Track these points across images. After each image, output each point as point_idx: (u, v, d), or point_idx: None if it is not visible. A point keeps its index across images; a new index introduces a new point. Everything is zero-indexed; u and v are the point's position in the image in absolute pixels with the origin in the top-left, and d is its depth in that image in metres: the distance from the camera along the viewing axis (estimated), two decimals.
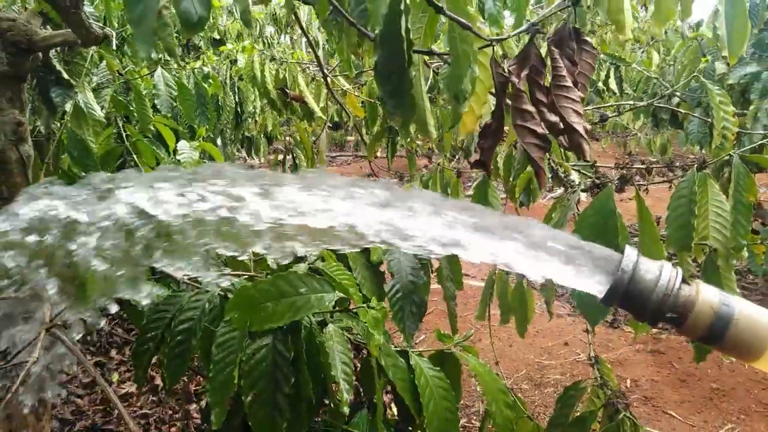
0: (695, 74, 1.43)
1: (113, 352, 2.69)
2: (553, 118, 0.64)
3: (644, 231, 0.94)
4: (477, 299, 2.22)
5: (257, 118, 2.94)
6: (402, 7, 0.57)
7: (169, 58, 2.95)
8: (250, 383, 0.85)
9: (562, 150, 1.59)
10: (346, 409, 0.88)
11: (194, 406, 2.32)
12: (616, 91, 2.39)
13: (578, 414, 0.95)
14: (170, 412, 2.34)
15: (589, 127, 0.62)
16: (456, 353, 1.15)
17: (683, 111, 1.74)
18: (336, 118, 3.36)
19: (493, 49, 0.66)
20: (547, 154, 1.34)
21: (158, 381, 2.52)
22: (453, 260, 1.50)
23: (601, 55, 2.33)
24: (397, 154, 2.25)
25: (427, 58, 0.91)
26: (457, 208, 0.53)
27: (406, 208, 0.50)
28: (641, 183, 1.12)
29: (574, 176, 1.17)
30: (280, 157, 2.60)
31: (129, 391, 2.39)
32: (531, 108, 0.63)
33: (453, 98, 0.60)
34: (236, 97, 2.51)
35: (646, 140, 5.31)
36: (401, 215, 0.50)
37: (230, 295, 0.98)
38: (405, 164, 2.52)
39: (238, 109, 2.56)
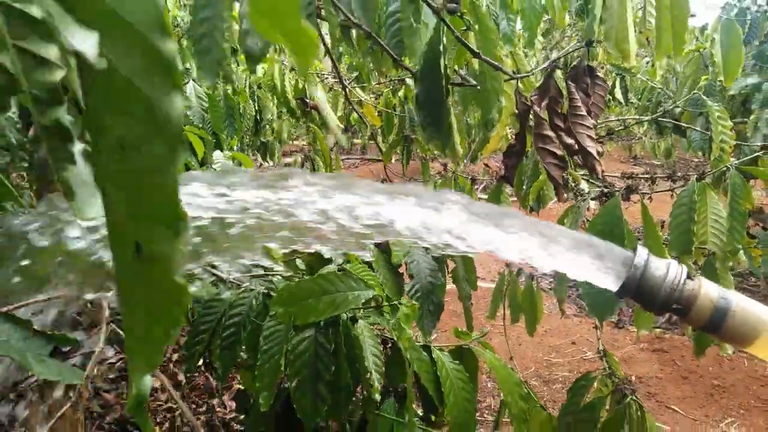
0: (695, 91, 1.53)
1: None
2: (570, 140, 0.74)
3: (648, 235, 1.04)
4: (487, 300, 2.32)
5: (274, 125, 3.05)
6: (441, 48, 0.67)
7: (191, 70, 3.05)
8: (294, 371, 0.96)
9: (571, 161, 1.70)
10: (377, 396, 0.98)
11: (216, 400, 2.42)
12: (622, 100, 2.49)
13: (588, 401, 1.05)
14: (194, 406, 2.44)
15: (601, 150, 0.72)
16: (473, 348, 1.25)
17: (684, 124, 1.83)
18: (345, 123, 3.47)
19: (517, 82, 0.76)
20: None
21: (180, 377, 2.63)
22: (467, 261, 1.59)
23: (607, 66, 2.43)
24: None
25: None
26: (486, 209, 0.61)
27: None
28: (645, 192, 1.22)
29: (584, 185, 1.27)
30: (298, 160, 2.71)
31: (154, 386, 2.50)
32: (551, 133, 0.74)
33: (483, 125, 0.70)
34: (256, 105, 2.62)
35: (650, 144, 5.39)
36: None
37: (272, 294, 1.08)
38: (418, 169, 2.62)
39: (257, 117, 2.67)
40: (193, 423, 0.95)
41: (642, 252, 0.53)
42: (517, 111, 0.76)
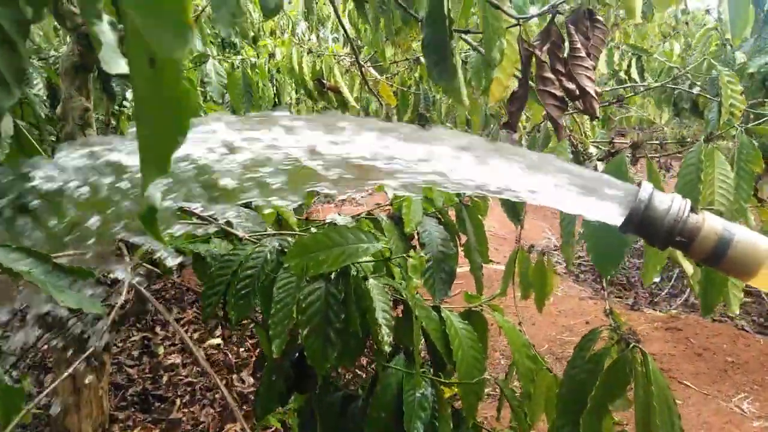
0: (705, 57, 1.52)
1: (158, 329, 2.87)
2: (571, 85, 0.77)
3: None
4: (500, 282, 2.34)
5: (293, 108, 3.10)
6: None
7: (213, 53, 3.11)
8: (306, 319, 1.00)
9: (583, 127, 1.71)
10: (387, 348, 1.02)
11: (235, 375, 2.49)
12: (638, 80, 2.48)
13: (592, 353, 1.07)
14: (213, 381, 2.51)
15: (599, 90, 0.75)
16: (482, 311, 1.27)
17: (695, 93, 1.83)
18: (365, 107, 3.50)
19: (520, 27, 0.79)
20: (569, 132, 1.46)
21: (201, 354, 2.70)
22: (479, 233, 1.61)
23: (624, 46, 2.43)
24: None
25: (465, 39, 1.04)
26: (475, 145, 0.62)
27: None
28: (654, 155, 1.23)
29: (592, 149, 1.29)
30: None
31: (175, 362, 2.57)
32: (551, 75, 0.76)
33: (485, 64, 0.73)
34: (274, 87, 2.67)
35: (672, 133, 5.34)
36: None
37: (286, 250, 1.12)
38: None
39: (276, 100, 2.72)
40: (225, 393, 1.00)
41: (646, 186, 0.54)
42: (520, 56, 0.79)
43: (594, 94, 0.73)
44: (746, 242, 0.53)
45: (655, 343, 2.23)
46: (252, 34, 4.19)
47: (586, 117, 1.80)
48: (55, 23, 2.20)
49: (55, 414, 1.55)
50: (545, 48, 0.77)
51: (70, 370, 1.07)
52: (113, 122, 2.14)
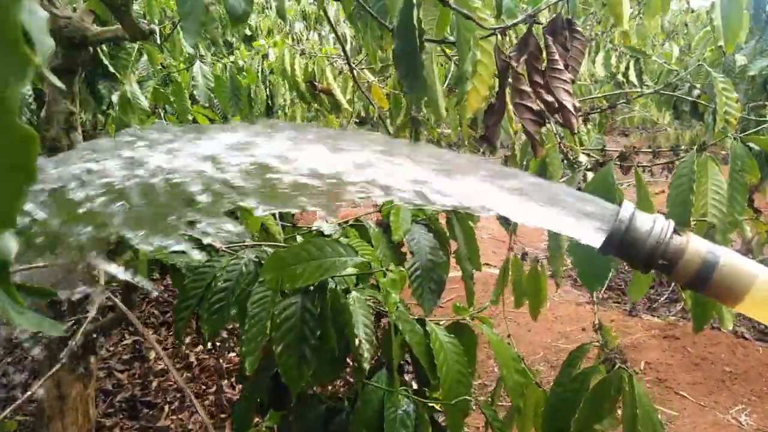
0: (699, 63, 1.48)
1: (149, 333, 2.85)
2: (549, 98, 0.73)
3: (641, 203, 1.02)
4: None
5: (287, 111, 3.06)
6: (414, 1, 0.67)
7: (203, 53, 3.09)
8: (281, 335, 0.96)
9: (577, 137, 1.67)
10: (366, 365, 0.98)
11: (226, 381, 2.46)
12: (636, 83, 2.44)
13: (579, 371, 1.03)
14: (203, 387, 2.48)
15: (578, 104, 0.71)
16: (470, 324, 1.23)
17: (690, 99, 1.78)
18: (363, 113, 3.47)
19: (496, 37, 0.75)
20: (560, 139, 1.42)
21: (192, 359, 2.68)
22: (470, 241, 1.57)
23: (622, 48, 2.38)
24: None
25: (444, 50, 1.01)
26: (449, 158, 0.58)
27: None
28: (644, 165, 1.19)
29: (582, 158, 1.25)
30: None
31: (164, 367, 2.54)
32: (528, 88, 0.73)
33: (457, 78, 0.70)
34: (267, 90, 2.64)
35: (675, 135, 5.28)
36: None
37: (263, 262, 1.09)
38: None
39: (269, 102, 2.68)
40: (181, 386, 0.96)
41: (627, 206, 0.51)
42: (496, 68, 0.75)
43: (572, 109, 0.70)
44: (732, 266, 0.50)
45: (652, 351, 2.19)
46: (249, 33, 4.17)
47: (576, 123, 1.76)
48: None
49: (40, 420, 1.52)
50: (522, 59, 0.73)
51: (40, 383, 1.05)
52: (101, 125, 2.12)
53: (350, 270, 1.08)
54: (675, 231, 0.53)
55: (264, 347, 1.01)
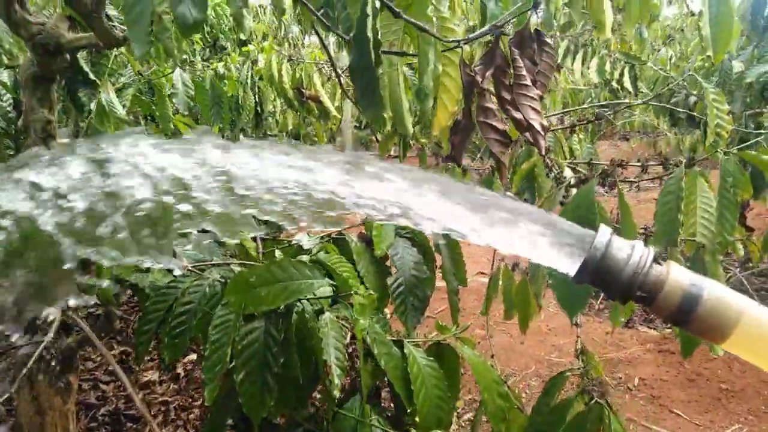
0: (690, 72, 1.42)
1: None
2: (518, 115, 0.68)
3: (623, 223, 0.97)
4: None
5: (278, 118, 3.02)
6: (369, 10, 0.61)
7: (193, 59, 3.04)
8: (242, 362, 0.91)
9: (565, 149, 1.61)
10: (336, 393, 0.93)
11: None
12: (631, 90, 2.38)
13: (557, 402, 0.98)
14: (190, 399, 2.43)
15: (546, 123, 0.66)
16: (452, 344, 1.18)
17: (680, 110, 1.73)
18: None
19: (462, 50, 0.70)
20: (546, 151, 1.37)
21: (180, 370, 2.62)
22: (456, 255, 1.52)
23: (617, 54, 2.33)
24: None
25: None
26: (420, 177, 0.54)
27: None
28: (631, 180, 1.14)
29: (568, 172, 1.20)
30: None
31: (152, 379, 2.49)
32: (493, 106, 0.67)
33: (415, 94, 0.64)
34: (256, 96, 2.59)
35: (675, 140, 5.22)
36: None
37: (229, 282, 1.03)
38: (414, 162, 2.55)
39: (258, 109, 2.63)
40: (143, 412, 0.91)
41: (604, 231, 0.47)
42: (461, 83, 0.70)
43: (539, 128, 0.64)
44: (717, 300, 0.46)
45: (647, 366, 2.12)
46: (243, 37, 4.12)
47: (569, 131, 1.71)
48: None
49: None
50: (489, 73, 0.68)
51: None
52: (81, 134, 2.07)
53: (320, 292, 1.03)
54: (655, 259, 0.49)
55: (228, 373, 0.96)
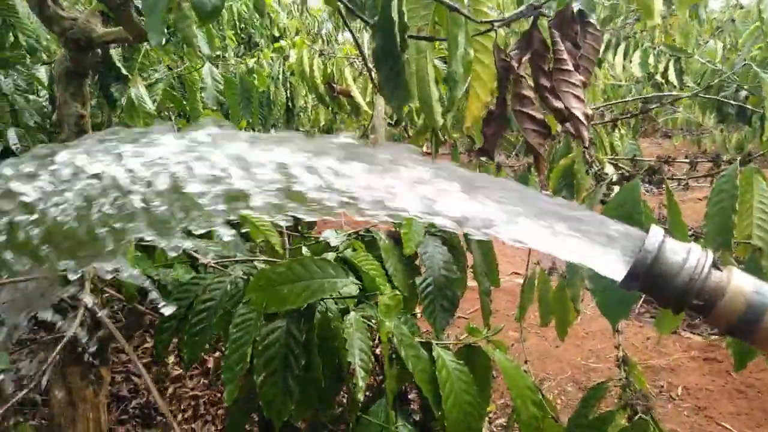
0: (746, 62, 1.32)
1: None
2: (559, 104, 0.62)
3: (673, 224, 0.89)
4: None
5: (310, 113, 3.00)
6: None
7: (226, 55, 3.05)
8: (263, 363, 0.88)
9: (606, 145, 1.53)
10: (360, 396, 0.89)
11: None
12: (676, 83, 2.26)
13: (598, 415, 0.92)
14: (219, 394, 2.43)
15: (590, 112, 0.60)
16: (483, 347, 1.13)
17: (732, 102, 1.62)
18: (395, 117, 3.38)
19: (496, 32, 0.64)
20: (586, 147, 1.29)
21: (210, 364, 2.63)
22: (488, 255, 1.47)
23: (661, 46, 2.22)
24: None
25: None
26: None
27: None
28: (680, 177, 1.06)
29: (609, 168, 1.13)
30: None
31: (181, 373, 2.51)
32: (530, 93, 0.62)
33: (444, 81, 0.59)
34: (287, 92, 2.57)
35: (720, 138, 5.00)
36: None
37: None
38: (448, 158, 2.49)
39: (290, 104, 2.62)
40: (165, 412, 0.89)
41: (656, 232, 0.43)
42: (496, 68, 0.64)
43: (582, 118, 0.58)
44: None
45: (691, 375, 2.01)
46: (277, 33, 4.13)
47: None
48: None
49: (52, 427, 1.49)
50: (525, 58, 0.63)
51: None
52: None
53: (345, 291, 0.99)
54: (714, 264, 0.43)
55: (249, 372, 0.93)
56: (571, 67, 0.60)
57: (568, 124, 0.64)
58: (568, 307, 1.74)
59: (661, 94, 1.83)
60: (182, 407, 2.26)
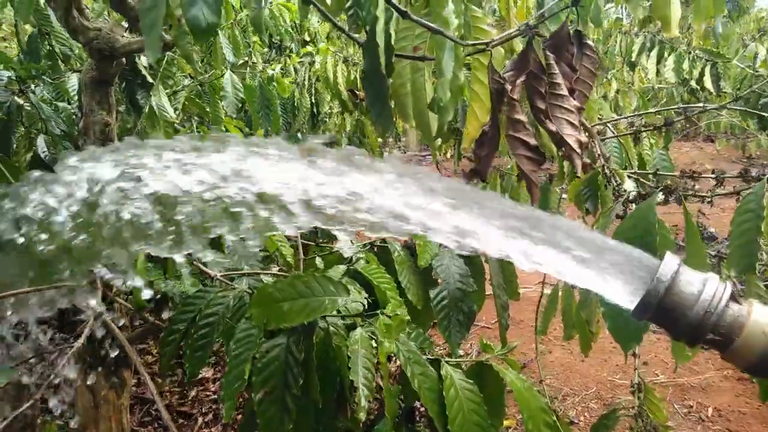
0: None
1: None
2: (554, 128, 0.59)
3: (690, 246, 0.85)
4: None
5: (336, 119, 3.00)
6: (379, 12, 0.55)
7: (254, 61, 3.08)
8: (261, 381, 0.87)
9: (632, 156, 1.47)
10: (362, 415, 0.87)
11: None
12: (712, 90, 2.15)
13: None
14: (241, 399, 2.46)
15: (584, 139, 0.57)
16: (494, 365, 1.10)
17: (764, 113, 1.53)
18: None
19: (490, 53, 0.62)
20: (605, 160, 1.25)
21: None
22: (506, 267, 1.43)
23: (696, 51, 2.13)
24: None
25: None
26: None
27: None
28: (702, 195, 1.01)
29: (629, 184, 1.08)
30: None
31: (206, 376, 2.54)
32: (524, 118, 0.59)
33: (429, 107, 0.57)
34: (312, 98, 2.58)
35: (766, 142, 4.79)
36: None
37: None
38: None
39: (314, 110, 2.62)
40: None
41: (670, 260, 0.41)
42: (490, 91, 0.62)
43: (575, 146, 0.56)
44: None
45: (723, 395, 1.92)
46: (308, 38, 4.15)
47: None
48: None
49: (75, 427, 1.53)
50: (520, 80, 0.60)
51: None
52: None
53: (352, 307, 0.98)
54: (733, 297, 0.40)
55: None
56: (565, 92, 0.57)
57: (563, 150, 0.61)
58: (593, 322, 1.68)
59: (688, 105, 1.75)
60: (203, 410, 2.29)
